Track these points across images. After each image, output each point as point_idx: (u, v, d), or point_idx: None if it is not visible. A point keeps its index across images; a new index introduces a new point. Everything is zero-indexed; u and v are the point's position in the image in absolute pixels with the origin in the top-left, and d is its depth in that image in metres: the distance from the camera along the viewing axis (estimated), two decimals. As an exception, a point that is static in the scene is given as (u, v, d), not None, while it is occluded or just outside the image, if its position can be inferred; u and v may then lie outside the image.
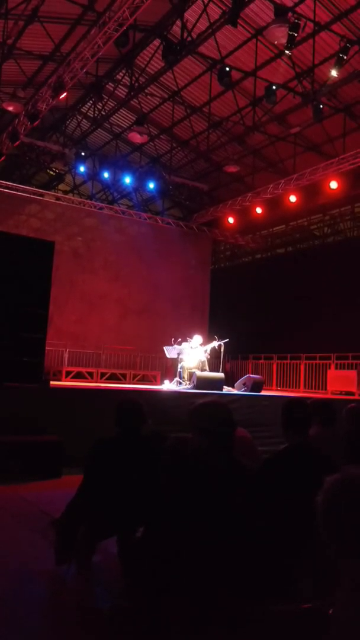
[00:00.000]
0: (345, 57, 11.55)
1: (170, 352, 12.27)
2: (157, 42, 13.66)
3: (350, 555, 1.58)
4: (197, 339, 12.20)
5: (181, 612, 2.21)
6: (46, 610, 3.40)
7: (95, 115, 16.95)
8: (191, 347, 12.02)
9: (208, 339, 12.49)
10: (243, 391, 11.43)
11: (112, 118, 17.63)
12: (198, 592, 2.23)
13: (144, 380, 15.43)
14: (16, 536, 4.70)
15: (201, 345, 12.21)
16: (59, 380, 13.61)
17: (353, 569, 1.59)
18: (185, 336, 12.26)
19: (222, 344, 12.13)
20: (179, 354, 12.07)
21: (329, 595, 1.74)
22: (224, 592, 2.24)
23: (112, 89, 16.09)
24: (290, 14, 11.10)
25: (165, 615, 2.24)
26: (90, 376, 14.55)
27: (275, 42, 11.74)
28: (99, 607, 3.31)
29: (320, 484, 1.68)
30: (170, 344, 12.24)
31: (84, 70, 12.08)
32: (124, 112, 17.47)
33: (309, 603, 2.18)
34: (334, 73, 11.87)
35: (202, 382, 10.83)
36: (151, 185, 17.93)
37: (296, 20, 10.86)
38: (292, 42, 10.93)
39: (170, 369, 14.68)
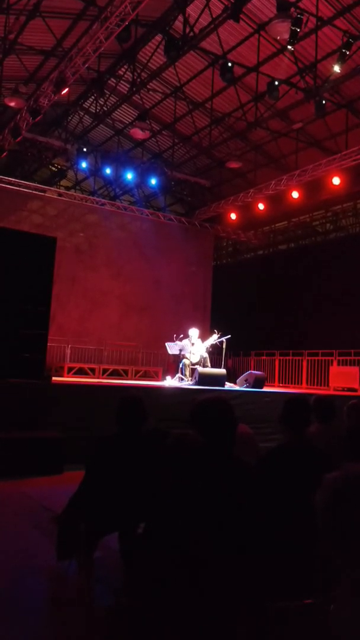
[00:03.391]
0: (348, 53, 11.50)
1: (172, 348, 12.26)
2: (159, 37, 13.63)
3: (350, 553, 1.58)
4: (194, 332, 12.20)
5: (183, 608, 2.21)
6: (47, 607, 3.40)
7: (97, 111, 16.92)
8: (192, 343, 12.02)
9: (209, 335, 12.49)
10: (245, 387, 11.43)
11: (114, 114, 17.59)
12: (199, 589, 2.23)
13: (145, 376, 15.45)
14: (18, 532, 4.71)
15: (199, 338, 12.22)
16: (61, 376, 13.63)
17: (353, 566, 1.58)
18: (187, 332, 12.26)
19: (224, 340, 12.13)
20: (180, 350, 12.06)
21: (330, 591, 1.74)
22: (226, 589, 2.23)
23: (114, 84, 16.06)
24: (292, 9, 11.05)
25: (166, 612, 2.24)
26: (92, 372, 14.58)
27: (278, 38, 11.70)
28: (100, 603, 3.31)
29: (314, 480, 1.68)
30: (172, 340, 12.25)
31: (86, 65, 12.06)
32: (125, 107, 17.43)
33: (310, 599, 2.18)
34: (336, 68, 11.82)
35: (204, 378, 10.83)
36: (153, 182, 17.90)
37: (299, 16, 10.82)
38: (294, 38, 10.90)
39: (172, 365, 14.68)
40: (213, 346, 12.35)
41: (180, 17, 12.60)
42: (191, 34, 12.34)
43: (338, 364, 15.24)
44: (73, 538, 3.53)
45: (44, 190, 17.59)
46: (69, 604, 3.37)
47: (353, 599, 1.58)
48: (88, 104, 17.38)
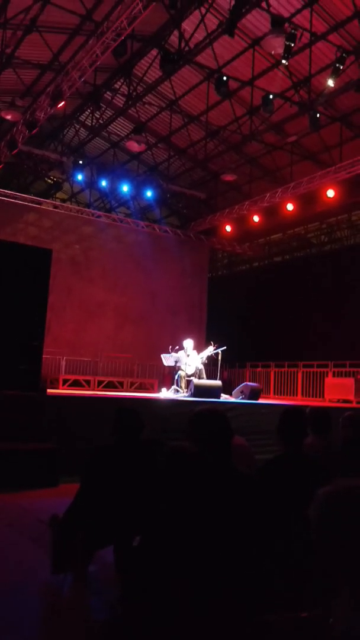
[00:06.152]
0: (341, 67, 11.64)
1: (167, 360, 12.24)
2: (154, 51, 13.76)
3: (344, 568, 1.58)
4: (189, 343, 12.19)
5: (178, 621, 2.20)
6: (41, 620, 3.37)
7: (93, 124, 17.04)
8: (187, 355, 12.01)
9: (205, 347, 12.48)
10: (240, 399, 11.41)
11: (110, 127, 17.71)
12: (196, 602, 2.22)
13: (141, 388, 15.39)
14: (12, 545, 4.67)
15: (194, 350, 12.20)
16: (56, 388, 13.57)
17: (348, 580, 1.58)
18: (182, 344, 12.25)
19: (220, 351, 12.12)
20: (176, 362, 12.04)
21: (324, 605, 1.74)
22: (222, 602, 2.23)
23: (110, 98, 16.19)
24: (286, 24, 11.20)
25: (162, 626, 2.22)
26: (88, 384, 14.52)
27: (272, 52, 11.85)
28: (95, 617, 3.29)
29: (311, 492, 1.68)
30: (167, 352, 12.23)
31: (82, 79, 12.15)
32: (121, 120, 17.55)
33: (307, 612, 2.17)
34: (330, 83, 11.95)
35: (199, 390, 10.81)
36: (149, 194, 17.99)
37: (293, 31, 10.96)
38: (288, 52, 11.03)
39: (167, 376, 14.66)
40: (208, 358, 12.34)
41: (176, 32, 12.73)
42: (186, 48, 12.48)
43: (333, 376, 15.26)
44: (68, 551, 3.52)
45: (39, 203, 17.63)
46: (64, 617, 3.34)
47: (349, 613, 1.58)
48: (84, 117, 17.51)
